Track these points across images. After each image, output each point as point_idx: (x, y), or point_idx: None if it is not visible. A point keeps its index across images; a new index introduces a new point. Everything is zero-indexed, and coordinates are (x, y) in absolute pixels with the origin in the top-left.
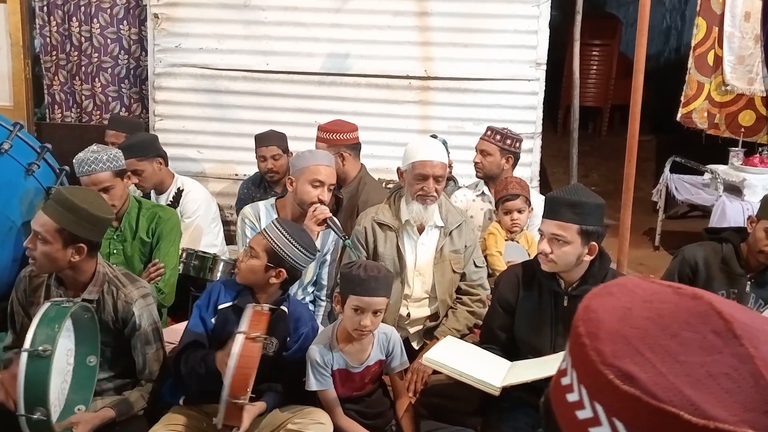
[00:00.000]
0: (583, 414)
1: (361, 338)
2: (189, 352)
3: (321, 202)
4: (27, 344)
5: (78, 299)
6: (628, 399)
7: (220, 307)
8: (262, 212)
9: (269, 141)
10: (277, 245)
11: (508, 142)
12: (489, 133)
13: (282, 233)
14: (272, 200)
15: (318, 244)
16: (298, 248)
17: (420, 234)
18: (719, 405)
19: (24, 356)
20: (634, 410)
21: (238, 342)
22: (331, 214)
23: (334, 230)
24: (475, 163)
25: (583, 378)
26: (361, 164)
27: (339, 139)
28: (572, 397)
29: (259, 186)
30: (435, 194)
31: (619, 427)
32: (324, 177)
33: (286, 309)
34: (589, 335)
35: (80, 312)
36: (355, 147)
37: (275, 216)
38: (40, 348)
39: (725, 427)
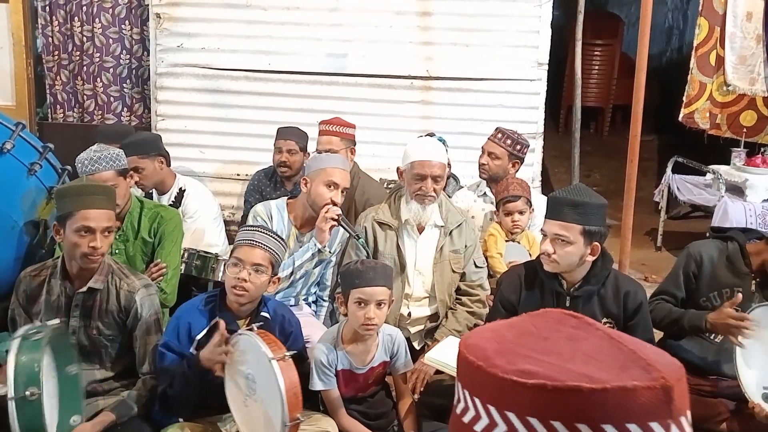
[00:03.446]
0: (497, 431)
1: (368, 333)
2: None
3: (333, 203)
4: (10, 391)
5: (54, 322)
6: (535, 391)
7: (199, 336)
8: (274, 211)
9: (289, 135)
10: (277, 254)
11: (518, 147)
12: (500, 135)
13: (277, 241)
14: (284, 200)
15: (327, 245)
16: (284, 246)
17: (420, 233)
18: (605, 372)
19: (11, 405)
20: (543, 399)
21: (276, 369)
22: (342, 214)
23: (346, 229)
24: (481, 164)
25: (488, 398)
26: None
27: (349, 134)
28: (481, 424)
29: (271, 179)
30: (433, 194)
31: (535, 424)
32: (339, 179)
33: (267, 315)
34: (481, 359)
35: (52, 333)
36: (355, 143)
37: (286, 215)
38: (27, 393)
39: (617, 385)
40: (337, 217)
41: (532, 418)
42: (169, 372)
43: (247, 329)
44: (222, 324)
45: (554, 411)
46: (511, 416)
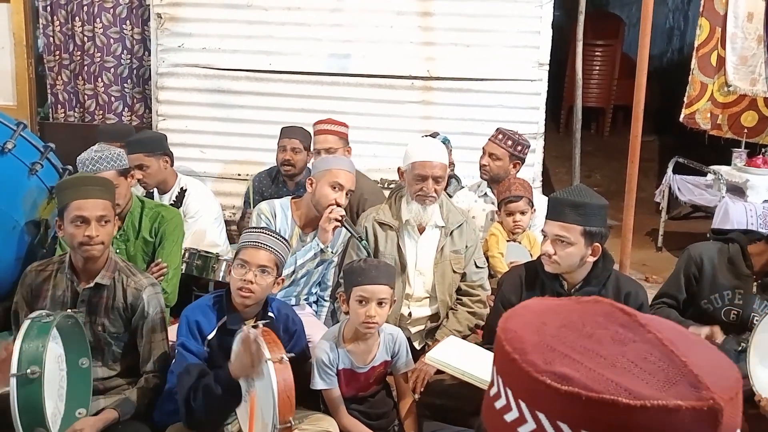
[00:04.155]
0: (526, 428)
1: (369, 332)
2: (194, 385)
3: (338, 205)
4: (14, 368)
5: (68, 312)
6: (568, 398)
7: (210, 336)
8: (278, 210)
9: (293, 134)
10: (282, 255)
11: (519, 148)
12: (501, 137)
13: (282, 242)
14: (288, 199)
15: (329, 245)
16: (288, 248)
17: (421, 234)
18: (647, 385)
19: (13, 381)
20: (576, 407)
21: (271, 370)
22: (346, 215)
23: (349, 231)
24: (482, 165)
25: (520, 392)
26: None
27: (345, 132)
28: (511, 416)
29: (274, 180)
30: (434, 195)
31: (565, 430)
32: (344, 181)
33: (272, 314)
34: (517, 351)
35: (63, 321)
36: (348, 142)
37: (290, 215)
38: (28, 371)
39: (658, 403)
40: (340, 218)
41: (563, 423)
42: (190, 379)
43: (252, 326)
44: (247, 331)
45: (587, 421)
46: (542, 417)
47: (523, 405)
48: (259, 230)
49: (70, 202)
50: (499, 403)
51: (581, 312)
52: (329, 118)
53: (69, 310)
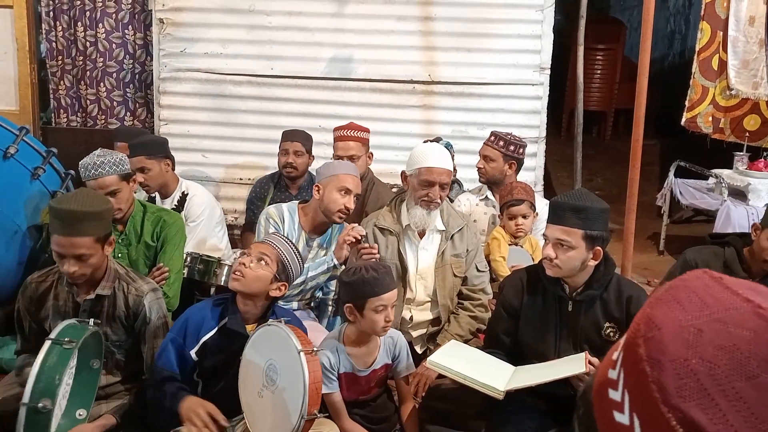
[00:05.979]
0: None
1: (386, 333)
2: (161, 385)
3: (347, 209)
4: (26, 396)
5: (89, 327)
6: None
7: (207, 337)
8: (286, 215)
9: (295, 137)
10: (286, 257)
11: (512, 148)
12: (492, 138)
13: (292, 249)
14: (295, 204)
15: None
16: (301, 265)
17: (421, 238)
18: None
19: (23, 410)
20: None
21: (303, 361)
22: (365, 235)
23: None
24: (478, 168)
25: (637, 407)
26: None
27: (366, 138)
28: (621, 418)
29: (277, 184)
30: (439, 201)
31: None
32: (351, 186)
33: None
34: (650, 361)
35: (88, 339)
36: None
37: (297, 219)
38: (39, 405)
39: None
40: (360, 237)
41: None
42: (162, 378)
43: (276, 321)
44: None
45: None
46: None
47: (636, 420)
48: (276, 234)
49: (53, 234)
50: (613, 395)
51: (754, 334)
52: (351, 122)
53: (91, 325)
